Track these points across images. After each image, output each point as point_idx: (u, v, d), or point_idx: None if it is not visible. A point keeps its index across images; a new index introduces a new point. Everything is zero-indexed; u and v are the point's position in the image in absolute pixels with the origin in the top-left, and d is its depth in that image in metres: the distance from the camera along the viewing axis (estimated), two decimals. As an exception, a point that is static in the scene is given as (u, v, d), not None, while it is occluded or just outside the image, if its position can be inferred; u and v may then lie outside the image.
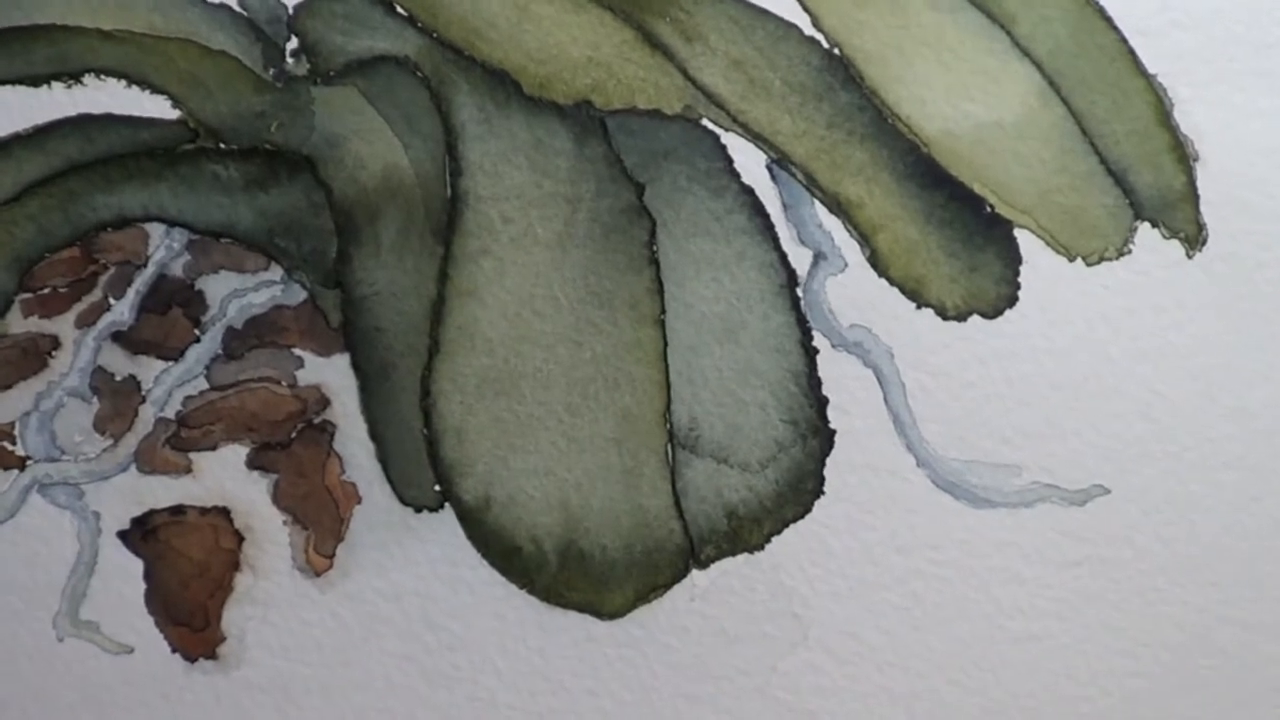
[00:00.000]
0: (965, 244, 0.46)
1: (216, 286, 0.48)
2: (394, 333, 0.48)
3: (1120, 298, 0.46)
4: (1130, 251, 0.46)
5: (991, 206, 0.47)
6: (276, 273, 0.48)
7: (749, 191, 0.47)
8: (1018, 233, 0.47)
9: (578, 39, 0.48)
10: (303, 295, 0.48)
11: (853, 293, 0.46)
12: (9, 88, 0.51)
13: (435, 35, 0.49)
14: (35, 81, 0.51)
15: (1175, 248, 0.47)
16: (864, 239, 0.46)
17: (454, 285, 0.47)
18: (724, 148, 0.47)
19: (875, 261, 0.46)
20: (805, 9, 0.48)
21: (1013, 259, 0.47)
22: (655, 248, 0.47)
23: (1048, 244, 0.46)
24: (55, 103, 0.51)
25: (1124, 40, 0.47)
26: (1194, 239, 0.47)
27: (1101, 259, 0.47)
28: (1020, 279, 0.47)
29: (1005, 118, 0.47)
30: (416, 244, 0.48)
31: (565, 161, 0.47)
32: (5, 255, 0.50)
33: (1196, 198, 0.47)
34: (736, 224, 0.47)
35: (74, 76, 0.50)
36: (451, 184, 0.48)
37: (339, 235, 0.48)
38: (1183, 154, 0.47)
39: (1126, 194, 0.47)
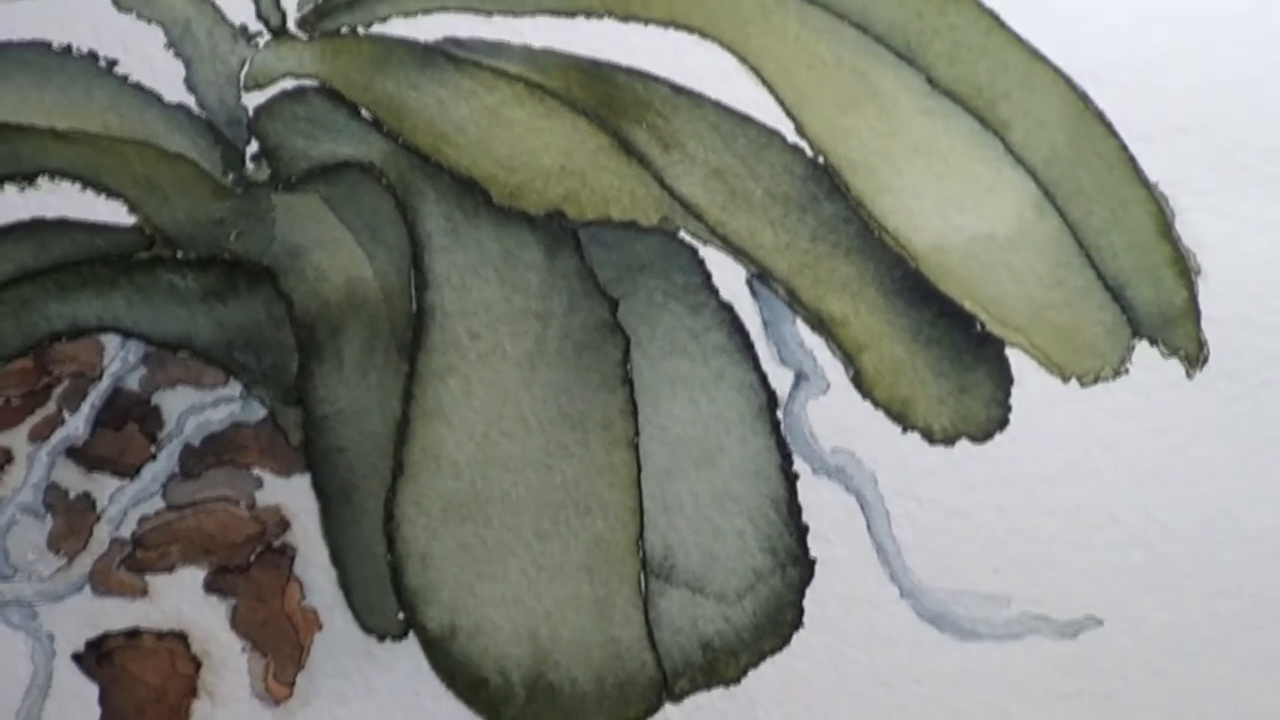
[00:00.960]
0: (954, 364, 0.45)
1: (174, 402, 0.47)
2: (357, 453, 0.46)
3: (1116, 420, 0.45)
4: (1127, 371, 0.45)
5: (982, 324, 0.45)
6: (235, 389, 0.47)
7: (728, 308, 0.46)
8: (1009, 351, 0.45)
9: (550, 146, 0.47)
10: (262, 413, 0.47)
11: (835, 415, 0.45)
12: (-40, 190, 0.50)
13: (401, 141, 0.48)
14: (-13, 183, 0.49)
15: (1175, 366, 0.45)
16: (848, 358, 0.45)
17: (419, 404, 0.46)
18: (702, 262, 0.46)
19: (859, 382, 0.45)
20: (789, 115, 0.46)
21: (1004, 379, 0.45)
22: (629, 367, 0.46)
23: (1041, 363, 0.45)
24: (7, 205, 0.50)
25: (1124, 147, 0.46)
26: (1194, 357, 0.45)
27: (1097, 379, 0.45)
28: (1011, 400, 0.45)
29: (998, 230, 0.46)
30: (381, 360, 0.46)
31: (536, 275, 0.46)
32: (-43, 364, 0.49)
33: (1198, 313, 0.45)
34: (714, 342, 0.45)
35: (27, 178, 0.49)
36: (417, 298, 0.47)
37: (300, 350, 0.47)
38: (1184, 267, 0.45)
39: (1124, 310, 0.45)
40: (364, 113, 0.48)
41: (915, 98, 0.47)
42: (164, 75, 0.49)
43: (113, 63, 0.50)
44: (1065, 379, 0.45)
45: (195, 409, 0.47)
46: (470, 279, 0.46)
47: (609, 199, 0.47)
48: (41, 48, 0.50)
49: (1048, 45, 0.47)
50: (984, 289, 0.46)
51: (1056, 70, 0.46)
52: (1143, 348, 0.46)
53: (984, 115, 0.46)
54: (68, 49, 0.50)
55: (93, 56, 0.50)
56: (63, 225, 0.49)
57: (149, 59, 0.49)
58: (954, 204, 0.46)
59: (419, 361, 0.46)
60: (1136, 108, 0.46)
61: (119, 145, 0.49)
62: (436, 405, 0.46)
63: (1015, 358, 0.46)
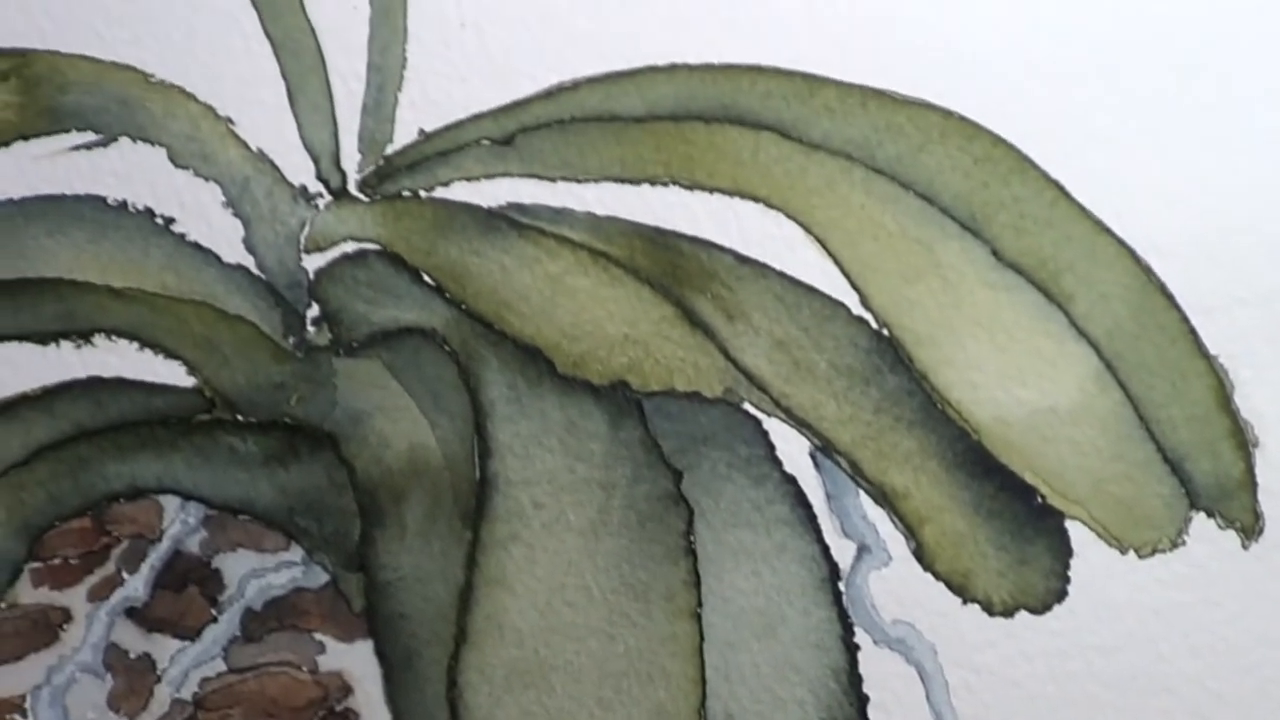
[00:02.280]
0: (1014, 536, 0.46)
1: (234, 565, 0.49)
2: (419, 620, 0.48)
3: (1173, 591, 0.47)
4: (1184, 543, 0.47)
5: (1043, 497, 0.47)
6: (297, 553, 0.48)
7: (791, 480, 0.47)
8: (1069, 524, 0.47)
9: (614, 315, 0.48)
10: (324, 578, 0.48)
11: (896, 587, 0.47)
12: (15, 344, 0.51)
13: (464, 307, 0.49)
14: (43, 339, 0.51)
15: (1230, 538, 0.47)
16: (910, 531, 0.47)
17: (482, 572, 0.47)
18: (766, 434, 0.47)
19: (921, 555, 0.47)
20: (854, 286, 0.47)
21: (1063, 552, 0.47)
22: (693, 538, 0.47)
23: (1099, 536, 0.47)
24: (64, 363, 0.51)
25: (1185, 319, 0.47)
26: (1250, 529, 0.47)
27: (1155, 551, 0.47)
28: (1070, 572, 0.47)
29: (1060, 403, 0.47)
30: (444, 528, 0.48)
31: (600, 445, 0.47)
32: (14, 521, 0.50)
33: (1255, 485, 0.47)
34: (778, 514, 0.47)
35: (83, 336, 0.50)
36: (481, 466, 0.48)
37: (362, 517, 0.48)
38: (1242, 440, 0.47)
39: (1183, 482, 0.47)
40: (426, 278, 0.49)
41: (980, 270, 0.48)
42: (222, 234, 0.50)
43: (170, 220, 0.51)
44: (1123, 551, 0.47)
45: (257, 573, 0.48)
46: (534, 448, 0.48)
47: (673, 369, 0.48)
48: (97, 202, 0.51)
49: (1111, 217, 0.48)
50: (1045, 462, 0.47)
51: (1120, 242, 0.48)
52: (1199, 519, 0.47)
53: (1048, 288, 0.48)
54: (123, 204, 0.51)
55: (149, 213, 0.51)
56: (120, 385, 0.50)
57: (207, 217, 0.50)
58: (1017, 377, 0.48)
59: (482, 529, 0.48)
60: (1197, 280, 0.47)
61: (177, 305, 0.50)
62: (500, 573, 0.47)
63: (1074, 530, 0.47)
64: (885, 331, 0.48)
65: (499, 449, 0.47)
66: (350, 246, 0.50)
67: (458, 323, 0.48)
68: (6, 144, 0.52)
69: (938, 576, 0.47)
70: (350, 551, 0.48)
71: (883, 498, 0.47)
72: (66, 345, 0.50)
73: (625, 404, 0.48)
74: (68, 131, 0.51)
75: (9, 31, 0.52)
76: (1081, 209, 0.48)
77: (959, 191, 0.48)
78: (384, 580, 0.47)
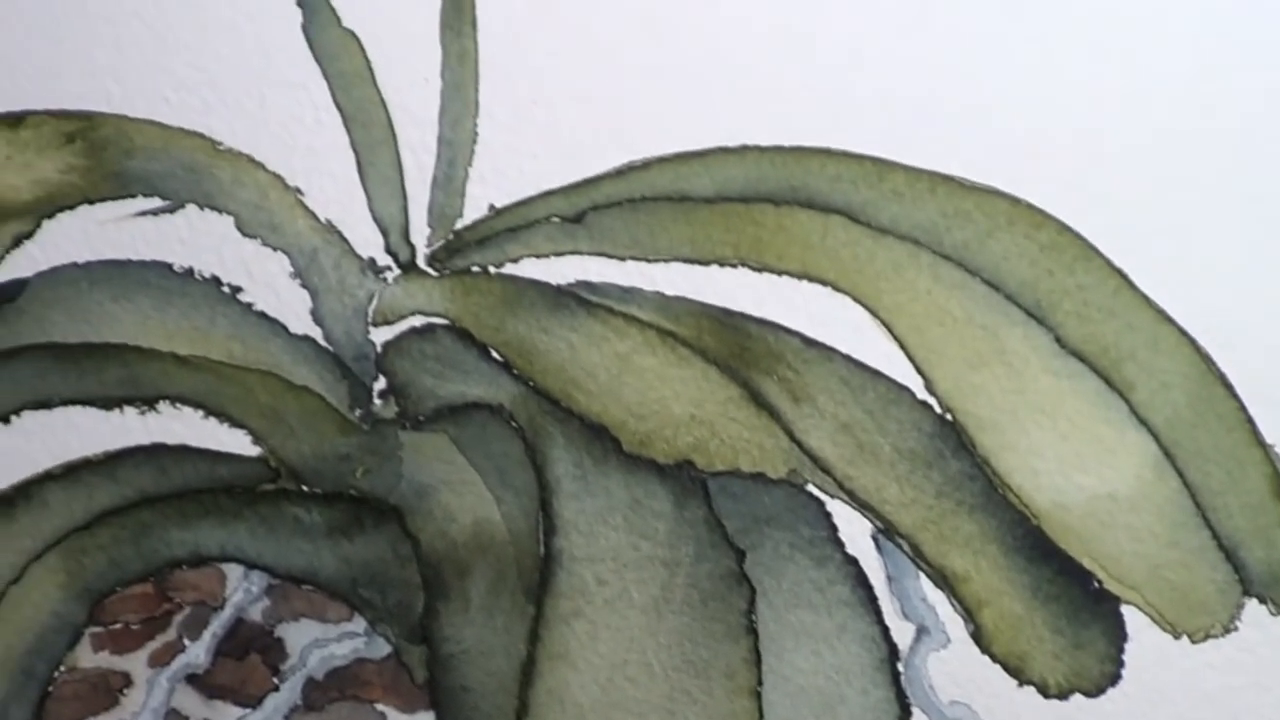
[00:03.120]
0: (1071, 620, 0.48)
1: (297, 634, 0.50)
2: (481, 693, 0.49)
3: (1224, 675, 0.48)
4: (1237, 628, 0.48)
5: (1099, 581, 0.48)
6: (360, 624, 0.50)
7: (853, 562, 0.49)
8: (1124, 608, 0.49)
9: (680, 395, 0.49)
10: (387, 649, 0.50)
11: (954, 668, 0.48)
12: (79, 409, 0.52)
13: (531, 384, 0.50)
14: (107, 404, 0.52)
15: (1284, 624, 0.48)
16: (969, 614, 0.48)
17: (545, 647, 0.49)
18: (829, 515, 0.49)
19: (979, 637, 0.48)
20: (919, 371, 0.49)
21: (1118, 636, 0.48)
22: (754, 617, 0.49)
23: (1154, 620, 0.48)
24: (127, 428, 0.52)
25: (1243, 408, 0.49)
26: (1304, 616, 0.48)
27: (1208, 636, 0.48)
28: (1124, 656, 0.48)
29: (1119, 490, 0.49)
30: (507, 602, 0.49)
31: (664, 524, 0.49)
32: (75, 585, 0.51)
33: (1309, 573, 0.48)
34: (839, 595, 0.48)
35: (148, 402, 0.52)
36: (545, 542, 0.49)
37: (426, 589, 0.49)
38: (1297, 527, 0.48)
39: (1236, 569, 0.48)
40: (494, 354, 0.50)
41: (1043, 357, 0.49)
42: (289, 305, 0.51)
43: (236, 289, 0.52)
44: (1177, 636, 0.49)
45: (319, 642, 0.49)
46: (598, 525, 0.49)
47: (738, 450, 0.49)
48: (163, 269, 0.52)
49: (1173, 306, 0.49)
50: (1102, 547, 0.49)
51: (1181, 331, 0.49)
52: (1251, 605, 0.49)
53: (1109, 375, 0.49)
54: (190, 271, 0.52)
55: (216, 281, 0.52)
56: (184, 452, 0.51)
57: (274, 287, 0.51)
58: (1076, 463, 0.49)
59: (545, 605, 0.49)
60: (1256, 370, 0.49)
61: (243, 375, 0.51)
62: (562, 648, 0.49)
63: (1129, 614, 0.49)
64: (949, 416, 0.49)
65: (564, 525, 0.49)
66: (418, 320, 0.51)
67: (525, 399, 0.49)
68: (72, 208, 0.53)
69: (995, 659, 0.49)
70: (413, 623, 0.49)
71: (943, 580, 0.49)
72: (130, 411, 0.51)
73: (690, 483, 0.49)
74: (134, 197, 0.52)
75: (75, 94, 0.53)
76: (1144, 298, 0.50)
77: (1024, 278, 0.49)
78: (447, 653, 0.49)
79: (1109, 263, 0.51)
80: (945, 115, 0.51)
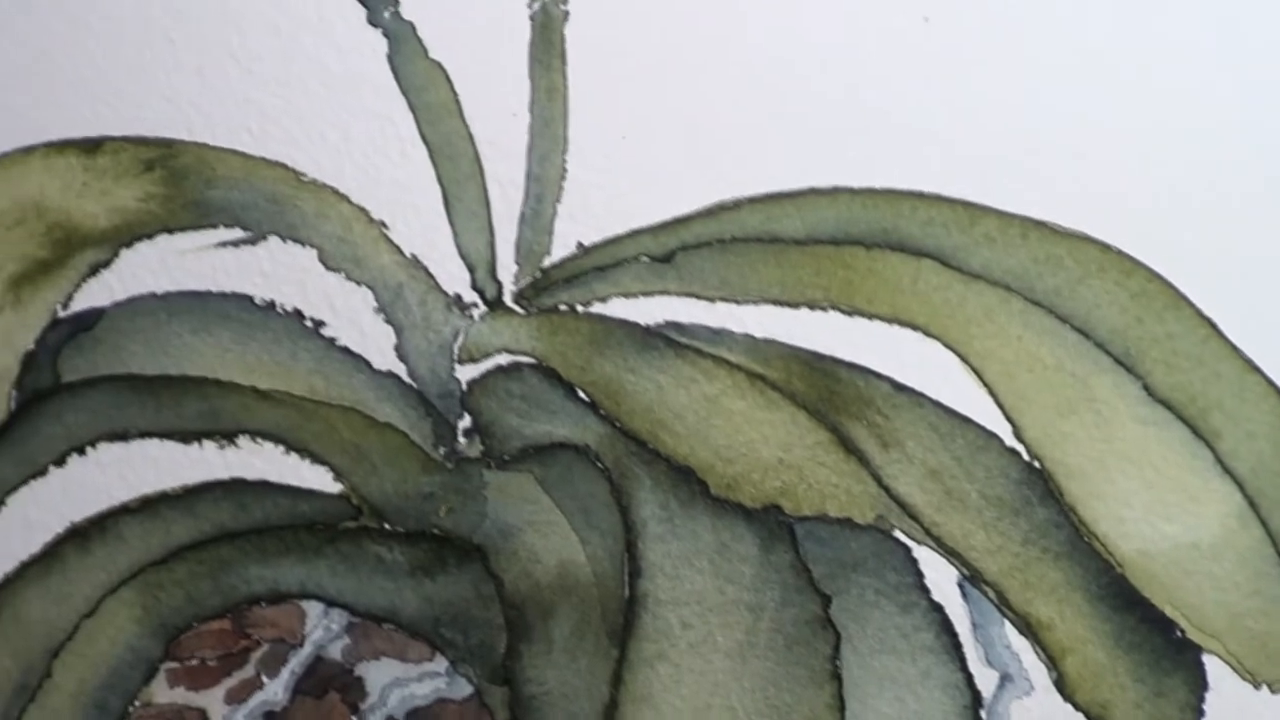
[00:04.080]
0: (1153, 669, 0.49)
1: (377, 673, 0.51)
2: (564, 734, 0.50)
3: (1311, 727, 0.50)
4: (1323, 680, 0.50)
5: (1181, 630, 0.49)
6: (441, 664, 0.50)
7: (938, 608, 0.50)
8: (1205, 657, 0.49)
9: (769, 438, 0.50)
10: (468, 689, 0.50)
11: (1036, 716, 0.49)
12: (156, 441, 0.53)
13: (618, 425, 0.51)
14: (185, 438, 0.52)
15: (1371, 677, 0.51)
16: (1052, 662, 0.49)
17: (628, 690, 0.50)
18: (915, 561, 0.50)
19: (1062, 685, 0.49)
20: (1008, 418, 0.50)
21: (1199, 685, 0.50)
22: (839, 662, 0.49)
23: (1235, 670, 0.50)
24: (206, 462, 0.52)
25: (1332, 459, 0.50)
26: (1390, 669, 0.51)
27: (1293, 687, 0.50)
28: (1205, 705, 0.49)
29: (1203, 539, 0.50)
30: (591, 644, 0.50)
31: (750, 568, 0.50)
32: (150, 620, 0.52)
33: (1396, 626, 0.51)
34: (923, 642, 0.49)
35: (227, 436, 0.52)
36: (630, 584, 0.50)
37: (509, 630, 0.50)
38: (1385, 581, 0.51)
39: (1325, 621, 0.50)
40: (581, 394, 0.51)
41: (1131, 405, 0.50)
42: (373, 340, 0.52)
43: (319, 323, 0.52)
44: (1257, 685, 0.50)
45: (400, 682, 0.50)
46: (684, 568, 0.50)
47: (826, 495, 0.50)
48: (244, 301, 0.52)
49: (1260, 355, 0.50)
50: (1185, 596, 0.50)
51: (1268, 381, 0.50)
52: (1340, 657, 0.51)
53: (1196, 424, 0.50)
54: (271, 305, 0.52)
55: (298, 315, 0.52)
56: (264, 487, 0.52)
57: (358, 322, 0.52)
58: (1162, 512, 0.50)
59: (630, 647, 0.50)
60: (1348, 421, 0.51)
61: (326, 410, 0.51)
62: (646, 691, 0.49)
63: (1210, 663, 0.50)
64: (1037, 463, 0.50)
65: (649, 568, 0.49)
66: (504, 358, 0.51)
67: (611, 440, 0.50)
68: (151, 237, 0.53)
69: (1077, 707, 0.50)
70: (495, 664, 0.50)
71: (1027, 628, 0.49)
72: (210, 445, 0.51)
73: (777, 527, 0.50)
74: (214, 227, 0.53)
75: (155, 121, 0.53)
76: (1232, 347, 0.51)
77: (1114, 326, 0.50)
78: (529, 694, 0.49)
79: (1198, 311, 0.52)
80: (1038, 160, 0.52)
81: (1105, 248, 0.54)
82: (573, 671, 0.53)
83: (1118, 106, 0.53)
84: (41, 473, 0.54)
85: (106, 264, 0.55)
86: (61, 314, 0.54)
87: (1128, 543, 0.54)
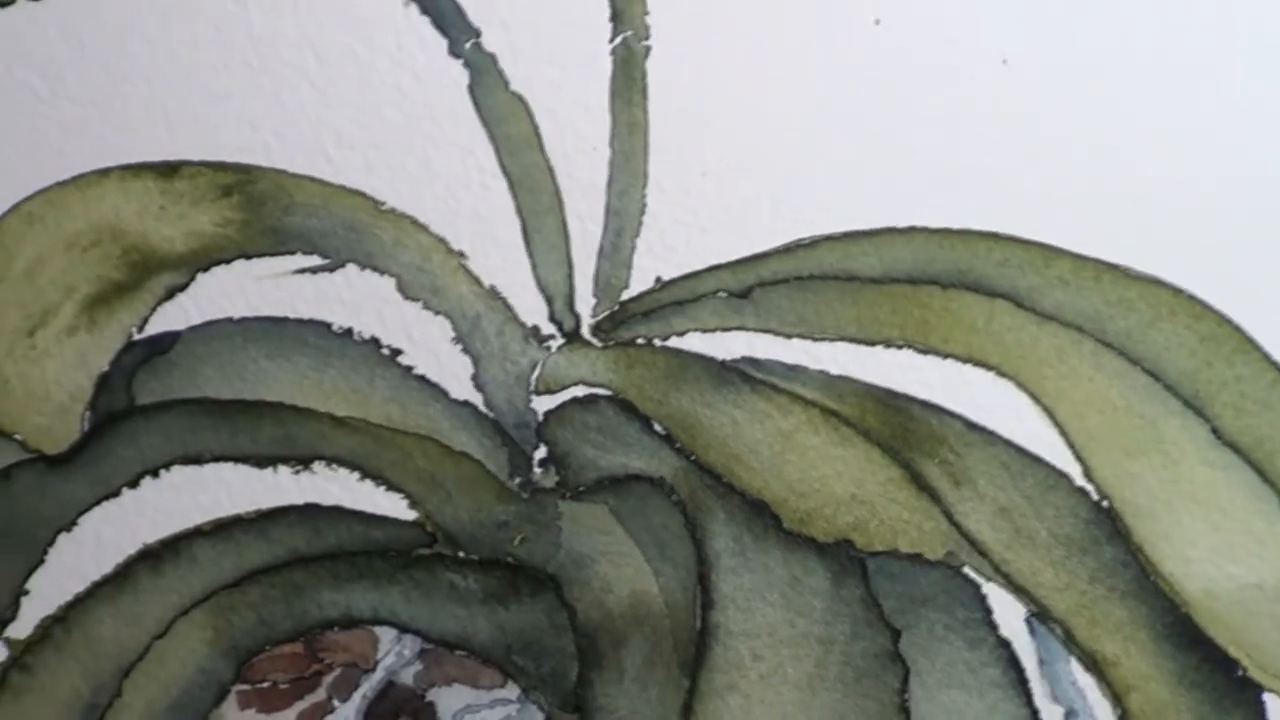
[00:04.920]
0: (1214, 707, 0.51)
1: (449, 699, 0.52)
2: (633, 762, 0.52)
3: (1370, 768, 0.53)
4: (1384, 722, 0.53)
5: (1244, 669, 0.51)
6: (513, 691, 0.52)
7: (1006, 644, 0.51)
8: (1265, 696, 0.51)
9: (842, 474, 0.51)
10: (539, 717, 0.52)
11: (1101, 752, 0.52)
12: (230, 466, 0.54)
13: (693, 458, 0.52)
14: (260, 462, 0.54)
15: None
16: (1116, 698, 0.51)
17: None
18: (984, 598, 0.51)
19: None
20: (1077, 458, 0.51)
21: (1263, 725, 0.53)
22: (907, 696, 0.51)
23: (1301, 711, 0.53)
24: (280, 487, 0.54)
25: (1396, 503, 0.53)
26: None
27: (1354, 728, 0.53)
28: (1269, 745, 0.53)
29: (1267, 580, 0.52)
30: (661, 674, 0.51)
31: (821, 601, 0.51)
32: (222, 642, 0.53)
33: None
34: (991, 677, 0.51)
35: (302, 462, 0.53)
36: (702, 616, 0.52)
37: (581, 659, 0.52)
38: None
39: (1386, 663, 0.53)
40: (657, 426, 0.52)
41: (1200, 448, 0.52)
42: (450, 370, 0.53)
43: (396, 352, 0.54)
44: (1322, 726, 0.53)
45: (471, 708, 0.52)
46: (756, 601, 0.51)
47: (897, 530, 0.52)
48: (321, 328, 0.53)
49: (1332, 400, 0.54)
50: (1248, 636, 0.52)
51: (1338, 426, 0.54)
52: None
53: (1263, 467, 0.52)
54: (349, 332, 0.54)
55: (376, 343, 0.53)
56: (339, 513, 0.53)
57: (435, 352, 0.53)
58: (1227, 553, 0.52)
59: (700, 678, 0.51)
60: None
61: (402, 438, 0.53)
62: (715, 721, 0.52)
63: (1270, 702, 0.51)
64: (1105, 503, 0.51)
65: (721, 600, 0.51)
66: (581, 390, 0.52)
67: (686, 473, 0.51)
68: (228, 262, 0.54)
69: (1142, 744, 0.52)
70: (567, 692, 0.51)
71: (1093, 665, 0.51)
72: (284, 470, 0.52)
73: (848, 562, 0.51)
74: (292, 254, 0.54)
75: (234, 146, 0.54)
76: (1302, 392, 0.54)
77: (1184, 369, 0.52)
78: (600, 722, 0.51)
79: (1266, 356, 0.54)
80: (1111, 203, 0.54)
81: (1176, 291, 0.55)
82: (643, 701, 0.55)
83: (1192, 153, 0.54)
84: (114, 494, 0.56)
85: (183, 288, 0.56)
86: (137, 337, 0.56)
87: (1193, 582, 0.56)
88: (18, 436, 0.59)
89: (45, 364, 0.60)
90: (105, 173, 0.60)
